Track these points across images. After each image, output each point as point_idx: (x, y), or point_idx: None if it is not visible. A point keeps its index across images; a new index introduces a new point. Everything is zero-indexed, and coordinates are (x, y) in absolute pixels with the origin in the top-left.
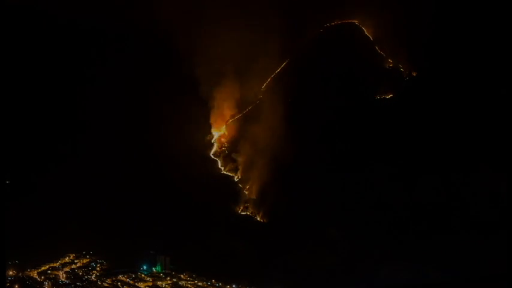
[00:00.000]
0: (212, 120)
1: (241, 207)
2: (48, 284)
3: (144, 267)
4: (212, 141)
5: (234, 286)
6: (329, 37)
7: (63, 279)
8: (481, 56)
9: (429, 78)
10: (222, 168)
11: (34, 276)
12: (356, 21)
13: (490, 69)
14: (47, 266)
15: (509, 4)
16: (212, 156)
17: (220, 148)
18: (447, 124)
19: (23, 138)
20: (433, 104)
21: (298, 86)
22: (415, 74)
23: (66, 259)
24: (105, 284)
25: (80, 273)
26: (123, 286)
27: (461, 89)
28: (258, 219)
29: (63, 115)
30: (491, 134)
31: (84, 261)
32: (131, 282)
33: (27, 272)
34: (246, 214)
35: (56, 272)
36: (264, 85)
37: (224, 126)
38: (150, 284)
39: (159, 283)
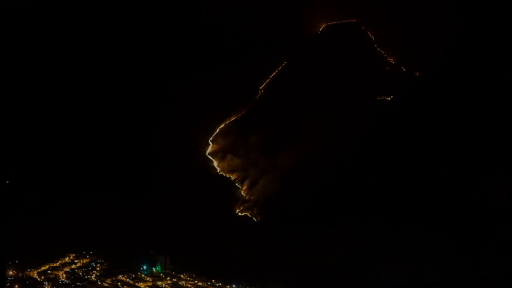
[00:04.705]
0: (211, 119)
1: (241, 208)
2: (48, 284)
3: (144, 267)
4: (210, 140)
5: (234, 286)
6: (329, 37)
7: (63, 279)
8: (484, 56)
9: (432, 78)
10: (218, 169)
11: (34, 276)
12: (356, 21)
13: (492, 68)
14: (47, 266)
15: (510, 4)
16: (209, 157)
17: (218, 148)
18: (450, 125)
19: (23, 138)
20: (436, 106)
21: (298, 86)
22: (417, 74)
23: (66, 259)
24: (105, 284)
25: (80, 273)
26: (123, 286)
27: (465, 89)
28: (258, 219)
29: (62, 115)
30: (494, 135)
31: (84, 261)
32: (131, 282)
33: (27, 272)
34: (245, 215)
35: (56, 272)
36: (263, 85)
37: (223, 125)
38: (150, 284)
39: (159, 283)
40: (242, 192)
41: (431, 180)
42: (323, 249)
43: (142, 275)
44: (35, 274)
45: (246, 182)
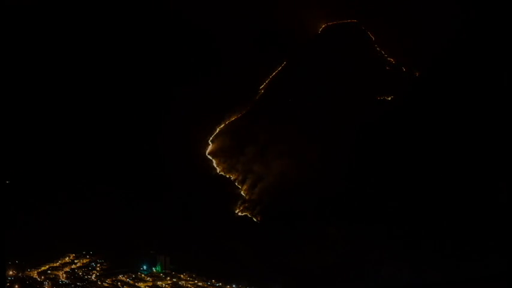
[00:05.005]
0: (211, 119)
1: (241, 208)
2: (48, 284)
3: (144, 267)
4: (210, 140)
5: (233, 286)
6: (329, 37)
7: (63, 279)
8: (484, 55)
9: (432, 78)
10: (218, 169)
11: (34, 276)
12: (356, 21)
13: (492, 68)
14: (47, 266)
15: (510, 4)
16: (209, 157)
17: (218, 148)
18: (450, 126)
19: (23, 138)
20: (436, 106)
21: (298, 86)
22: (417, 74)
23: (66, 259)
24: (105, 284)
25: (80, 273)
26: (123, 286)
27: (465, 90)
28: (258, 219)
29: (63, 115)
30: (495, 135)
31: (84, 261)
32: (131, 282)
33: (27, 272)
34: (245, 215)
35: (56, 272)
36: (263, 85)
37: (223, 125)
38: (150, 284)
39: (159, 283)
40: (242, 192)
41: (431, 180)
42: (323, 249)
43: (142, 275)
44: (35, 274)
45: (246, 182)
